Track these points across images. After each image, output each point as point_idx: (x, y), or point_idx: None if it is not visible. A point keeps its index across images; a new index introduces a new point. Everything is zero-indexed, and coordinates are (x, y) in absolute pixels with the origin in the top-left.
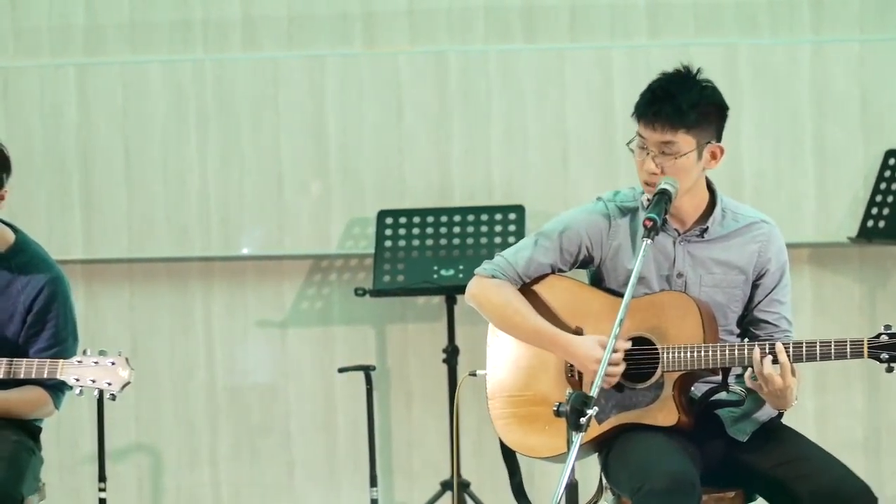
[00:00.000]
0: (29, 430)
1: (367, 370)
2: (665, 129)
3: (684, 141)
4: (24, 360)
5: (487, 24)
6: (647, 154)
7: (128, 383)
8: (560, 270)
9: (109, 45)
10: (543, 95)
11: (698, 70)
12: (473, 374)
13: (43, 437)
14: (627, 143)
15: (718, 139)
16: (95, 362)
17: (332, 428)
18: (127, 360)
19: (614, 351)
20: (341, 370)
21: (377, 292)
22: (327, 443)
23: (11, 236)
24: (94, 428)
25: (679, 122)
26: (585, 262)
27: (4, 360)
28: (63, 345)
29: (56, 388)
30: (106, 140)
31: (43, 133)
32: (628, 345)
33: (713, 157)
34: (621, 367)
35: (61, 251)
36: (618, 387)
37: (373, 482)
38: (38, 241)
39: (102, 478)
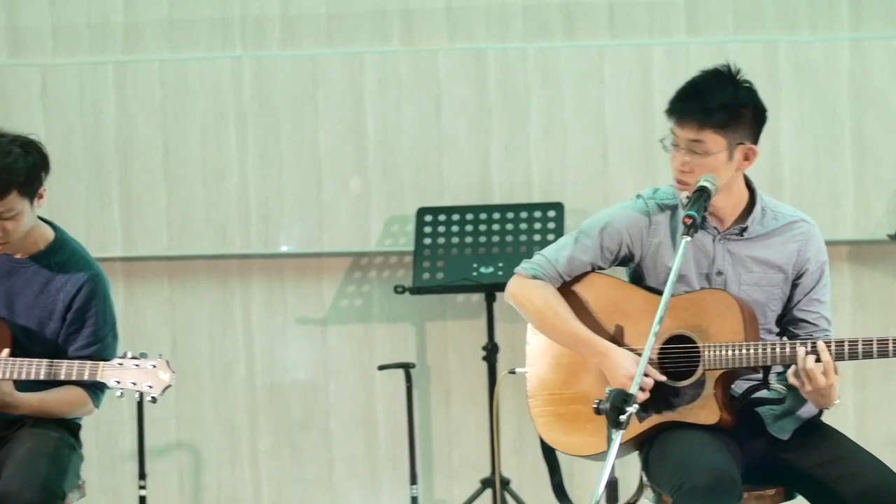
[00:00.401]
0: (69, 427)
1: (406, 368)
2: (692, 127)
3: (713, 140)
4: (65, 361)
5: (526, 21)
6: (678, 151)
7: (168, 386)
8: (600, 268)
9: (148, 42)
10: (582, 93)
11: (738, 70)
12: (513, 372)
13: (83, 434)
14: (661, 140)
15: (754, 141)
16: (136, 365)
17: (371, 425)
18: (168, 362)
19: (645, 374)
20: (381, 368)
21: (417, 290)
22: (367, 440)
23: (51, 234)
24: (134, 426)
25: (706, 120)
26: (626, 260)
27: (45, 361)
28: (102, 343)
29: (96, 388)
30: (145, 138)
31: (82, 131)
32: (661, 378)
33: (745, 158)
34: (649, 387)
35: (100, 249)
36: (659, 385)
37: (413, 480)
38: (78, 238)
39: (143, 475)
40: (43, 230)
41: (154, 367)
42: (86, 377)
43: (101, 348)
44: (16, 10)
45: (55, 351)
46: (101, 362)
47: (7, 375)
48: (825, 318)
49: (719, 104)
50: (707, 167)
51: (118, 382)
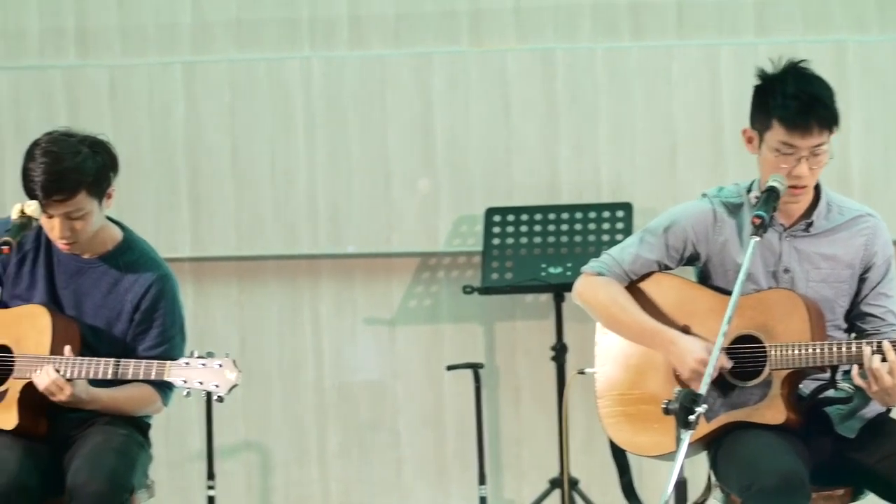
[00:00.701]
0: (138, 425)
1: (475, 368)
2: (822, 133)
3: (828, 140)
4: (132, 360)
5: (595, 21)
6: (799, 160)
7: (235, 385)
8: (667, 267)
9: (217, 43)
10: (651, 93)
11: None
12: (582, 372)
13: (152, 434)
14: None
15: None
16: (203, 364)
17: (440, 426)
18: (234, 362)
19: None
20: (450, 368)
21: (485, 290)
22: (436, 440)
23: (119, 234)
24: (202, 426)
25: (833, 121)
26: (692, 259)
27: (112, 360)
28: (170, 343)
29: (164, 386)
30: (214, 138)
31: (151, 131)
32: (729, 364)
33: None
34: (726, 365)
35: (169, 249)
36: (726, 385)
37: (481, 480)
38: (147, 239)
39: (211, 475)
40: (111, 230)
41: (220, 366)
42: (152, 376)
43: (169, 348)
44: (84, 11)
45: (123, 351)
46: (168, 361)
47: (75, 374)
48: (892, 311)
49: (832, 105)
50: (821, 166)
51: (185, 382)
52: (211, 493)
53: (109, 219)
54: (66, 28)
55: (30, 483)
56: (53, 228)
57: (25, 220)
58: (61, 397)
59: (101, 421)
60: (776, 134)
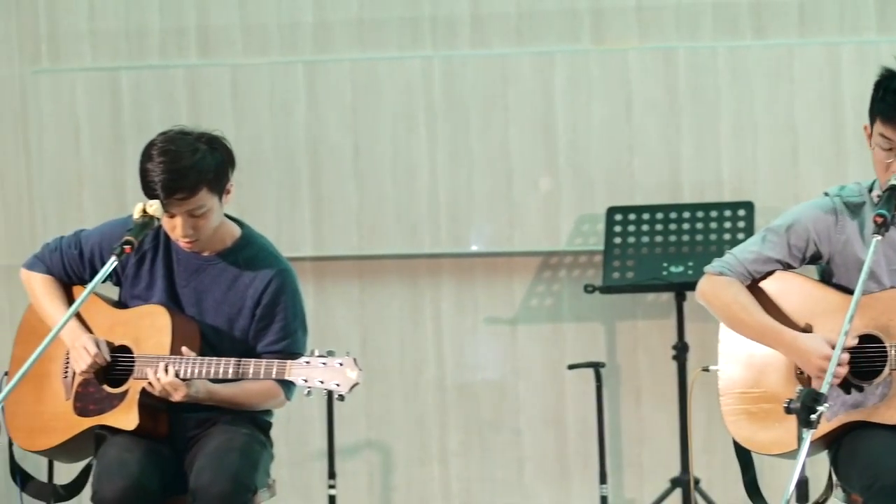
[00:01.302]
0: (260, 424)
1: (596, 367)
2: None
3: None
4: (253, 360)
5: (716, 20)
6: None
7: (356, 384)
8: (789, 266)
9: (338, 42)
10: (772, 91)
11: None
12: (707, 370)
13: (273, 433)
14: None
15: None
16: (323, 363)
17: (561, 425)
18: (355, 360)
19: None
20: (571, 367)
21: (607, 289)
22: (557, 439)
23: (237, 231)
24: (324, 425)
25: None
26: (815, 258)
27: (233, 360)
28: (293, 338)
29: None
30: (335, 137)
31: (272, 130)
32: (847, 355)
33: None
34: (845, 369)
35: (291, 248)
36: (846, 384)
37: (602, 479)
38: (268, 238)
39: (332, 475)
40: (230, 227)
41: (341, 365)
42: (273, 376)
43: (292, 343)
44: (206, 10)
45: (245, 348)
46: (289, 361)
47: (195, 374)
48: None
49: None
50: None
51: (306, 381)
52: (332, 492)
53: (227, 216)
54: (188, 27)
55: (150, 485)
56: (175, 227)
57: (148, 220)
58: (177, 397)
59: (223, 420)
60: (877, 127)
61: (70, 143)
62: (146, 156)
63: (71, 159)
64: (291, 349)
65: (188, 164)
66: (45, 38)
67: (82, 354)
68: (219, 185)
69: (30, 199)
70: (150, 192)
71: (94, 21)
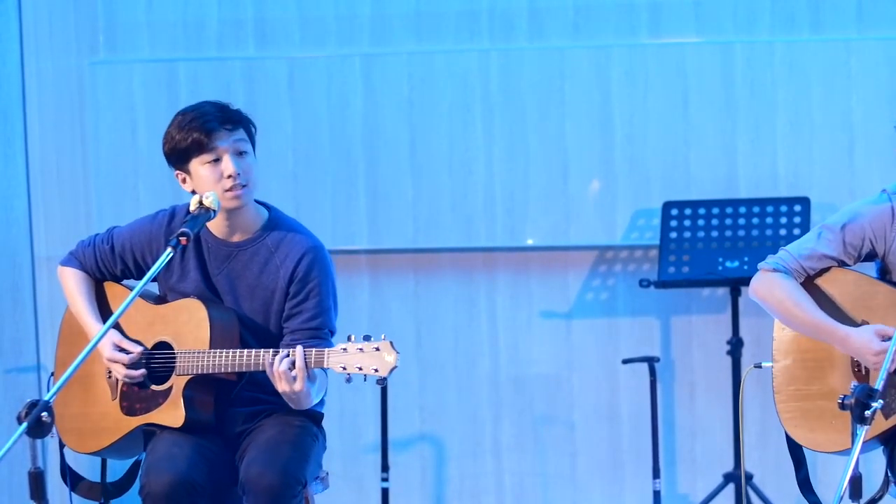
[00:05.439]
0: (312, 416)
1: (651, 362)
2: None
3: None
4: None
5: (774, 15)
6: None
7: (395, 367)
8: (843, 264)
9: (396, 35)
10: (829, 87)
11: None
12: (759, 366)
13: (326, 426)
14: None
15: None
16: (360, 349)
17: (615, 419)
18: (391, 343)
19: None
20: (625, 361)
21: (662, 283)
22: (610, 434)
23: (265, 213)
24: (377, 418)
25: None
26: (870, 256)
27: (270, 351)
28: (326, 314)
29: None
30: (392, 130)
31: (329, 123)
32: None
33: None
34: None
35: (346, 241)
36: None
37: (655, 474)
38: (324, 231)
39: (385, 468)
40: (258, 210)
41: (378, 349)
42: (312, 366)
43: (326, 320)
44: (263, 2)
45: (280, 330)
46: (326, 349)
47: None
48: None
49: None
50: None
51: (344, 368)
52: (385, 485)
53: (256, 201)
54: (246, 20)
55: (199, 480)
56: (227, 168)
57: (203, 212)
58: (296, 387)
59: (274, 413)
60: None
61: (127, 134)
62: (179, 115)
63: (128, 151)
64: (326, 326)
65: (224, 104)
66: (103, 29)
67: (118, 369)
68: (252, 137)
69: (86, 190)
70: (193, 134)
71: (152, 12)
